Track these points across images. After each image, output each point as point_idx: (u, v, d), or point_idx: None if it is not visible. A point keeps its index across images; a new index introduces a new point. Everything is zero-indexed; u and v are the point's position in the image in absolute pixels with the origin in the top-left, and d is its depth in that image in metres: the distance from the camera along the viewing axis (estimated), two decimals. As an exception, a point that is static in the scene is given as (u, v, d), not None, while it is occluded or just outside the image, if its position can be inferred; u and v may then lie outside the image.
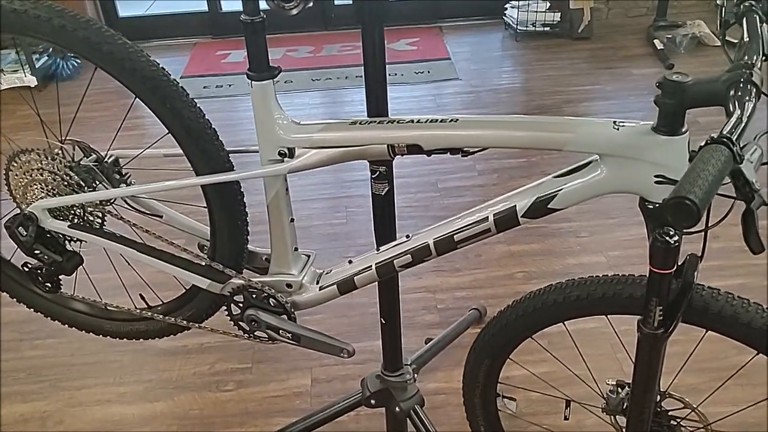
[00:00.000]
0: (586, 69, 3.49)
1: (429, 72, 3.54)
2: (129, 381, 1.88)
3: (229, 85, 3.49)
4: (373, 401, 1.41)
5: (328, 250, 2.33)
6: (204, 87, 3.50)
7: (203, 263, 1.15)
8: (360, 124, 0.98)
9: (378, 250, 1.09)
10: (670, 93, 0.80)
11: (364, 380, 1.44)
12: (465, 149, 0.95)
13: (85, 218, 1.17)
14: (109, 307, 1.30)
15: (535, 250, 2.28)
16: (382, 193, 1.16)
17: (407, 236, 1.06)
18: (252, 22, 0.94)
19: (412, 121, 0.95)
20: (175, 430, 1.73)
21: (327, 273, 1.15)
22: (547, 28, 3.79)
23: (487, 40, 3.94)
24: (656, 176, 0.85)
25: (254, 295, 1.14)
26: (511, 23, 3.85)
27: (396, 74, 3.51)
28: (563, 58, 3.61)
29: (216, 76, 3.61)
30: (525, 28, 3.79)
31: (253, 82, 0.99)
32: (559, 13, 3.75)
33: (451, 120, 0.94)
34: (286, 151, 1.02)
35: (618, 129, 0.87)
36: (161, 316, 1.24)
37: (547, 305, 1.06)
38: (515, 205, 0.96)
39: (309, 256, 1.17)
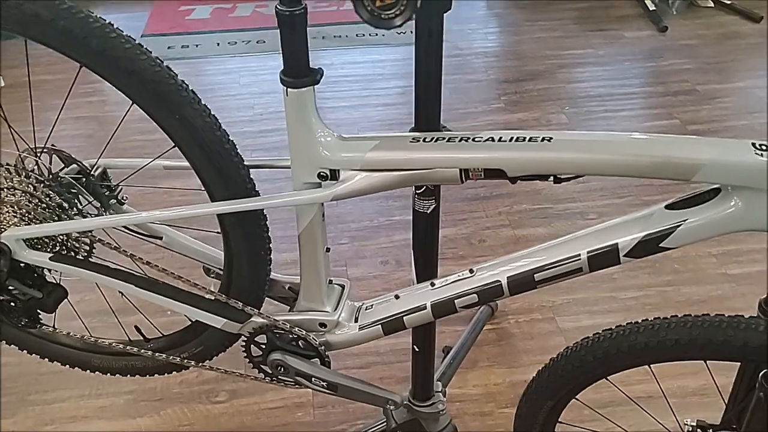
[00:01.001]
0: (576, 31, 3.30)
1: (411, 32, 3.29)
2: (108, 393, 1.67)
3: (196, 45, 3.20)
4: (399, 432, 1.24)
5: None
6: (168, 47, 3.20)
7: (216, 299, 0.95)
8: (424, 141, 0.79)
9: (432, 284, 0.91)
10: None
11: (389, 407, 1.27)
12: (559, 176, 0.76)
13: (70, 246, 0.96)
14: (98, 342, 1.09)
15: (543, 235, 2.12)
16: (428, 211, 0.97)
17: (471, 270, 0.88)
18: (291, 14, 0.72)
19: (492, 140, 0.77)
20: (165, 451, 1.55)
21: (368, 309, 0.96)
22: (533, -15, 3.58)
23: (470, -4, 3.72)
24: (806, 214, 0.69)
25: (280, 337, 0.95)
26: (494, -21, 3.63)
27: (371, 34, 3.26)
28: (552, 18, 3.42)
29: (180, 35, 3.31)
30: (510, -15, 3.58)
31: (288, 89, 0.78)
32: (546, -31, 3.54)
33: (544, 139, 0.75)
34: (328, 173, 0.82)
35: (761, 154, 0.69)
36: (161, 355, 1.04)
37: (637, 348, 0.90)
38: (617, 243, 0.78)
39: (343, 287, 0.99)
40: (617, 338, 0.93)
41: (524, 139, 0.75)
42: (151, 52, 0.81)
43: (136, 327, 1.09)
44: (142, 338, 1.10)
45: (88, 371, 1.15)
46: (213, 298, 0.95)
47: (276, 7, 0.73)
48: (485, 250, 2.07)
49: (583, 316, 1.83)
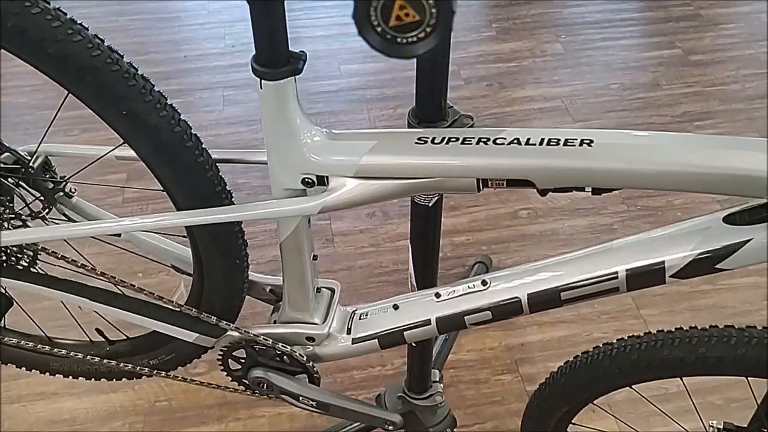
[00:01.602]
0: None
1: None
2: (78, 365, 1.56)
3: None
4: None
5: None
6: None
7: (185, 312, 0.81)
8: (433, 143, 0.64)
9: (437, 295, 0.78)
10: None
11: (381, 398, 1.17)
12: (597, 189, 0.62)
13: (9, 253, 0.81)
14: (53, 351, 0.95)
15: (538, 180, 1.99)
16: (429, 204, 0.83)
17: (484, 282, 0.75)
18: (265, -12, 0.56)
19: (518, 142, 0.62)
20: (141, 429, 1.45)
21: (362, 318, 0.83)
22: None
23: None
24: None
25: (261, 353, 0.83)
26: None
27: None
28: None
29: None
30: None
31: (263, 80, 0.62)
32: None
33: (583, 142, 0.60)
34: (314, 180, 0.67)
35: None
36: (126, 365, 0.91)
37: (670, 363, 0.79)
38: (663, 261, 0.65)
39: (333, 290, 0.85)
40: (648, 350, 0.81)
41: (558, 142, 0.61)
42: (87, 29, 0.64)
43: (97, 330, 0.96)
44: (104, 340, 0.97)
45: (48, 374, 1.03)
46: (181, 310, 0.81)
47: (243, -22, 0.56)
48: (478, 199, 1.94)
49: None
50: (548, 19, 2.62)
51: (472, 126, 0.76)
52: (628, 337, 0.85)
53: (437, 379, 1.13)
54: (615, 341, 0.85)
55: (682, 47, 2.47)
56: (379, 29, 0.35)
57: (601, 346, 0.87)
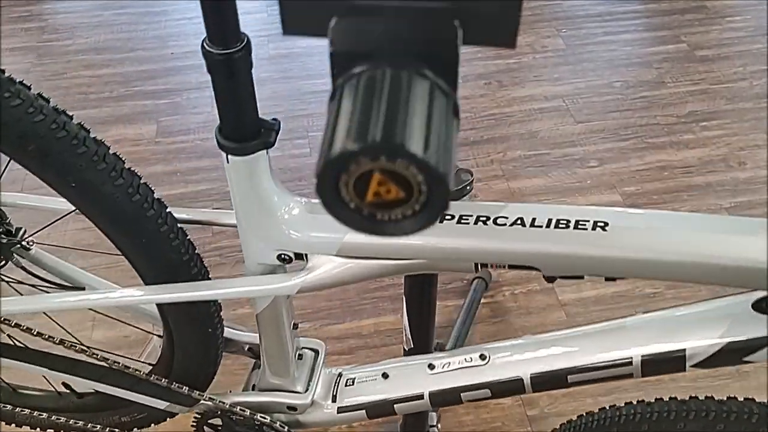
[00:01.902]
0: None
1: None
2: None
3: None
4: (391, 468, 1.08)
5: (291, 190, 1.91)
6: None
7: (153, 380, 0.74)
8: (426, 220, 0.56)
9: (431, 366, 0.70)
10: None
11: (376, 440, 1.10)
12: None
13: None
14: (18, 398, 0.89)
15: (539, 187, 1.91)
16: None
17: (482, 356, 0.68)
18: (228, 57, 0.48)
19: (521, 223, 0.54)
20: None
21: (348, 384, 0.76)
22: None
23: None
24: None
25: (239, 423, 0.76)
26: None
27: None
28: None
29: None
30: None
31: (229, 155, 0.54)
32: None
33: (596, 225, 0.53)
34: (291, 256, 0.59)
35: None
36: (95, 426, 0.84)
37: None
38: (684, 349, 0.58)
39: (317, 351, 0.78)
40: (659, 421, 0.74)
41: (568, 225, 0.53)
42: (30, 88, 0.56)
43: (63, 383, 0.88)
44: (71, 392, 0.90)
45: (14, 426, 0.96)
46: (149, 380, 0.74)
47: (203, 45, 0.48)
48: (476, 206, 1.86)
49: (585, 285, 1.66)
50: (548, 12, 2.52)
51: (471, 181, 0.68)
52: (637, 402, 0.78)
53: (434, 423, 1.07)
54: (623, 405, 0.79)
55: (687, 41, 2.38)
56: (351, 205, 0.26)
57: (608, 408, 0.80)
